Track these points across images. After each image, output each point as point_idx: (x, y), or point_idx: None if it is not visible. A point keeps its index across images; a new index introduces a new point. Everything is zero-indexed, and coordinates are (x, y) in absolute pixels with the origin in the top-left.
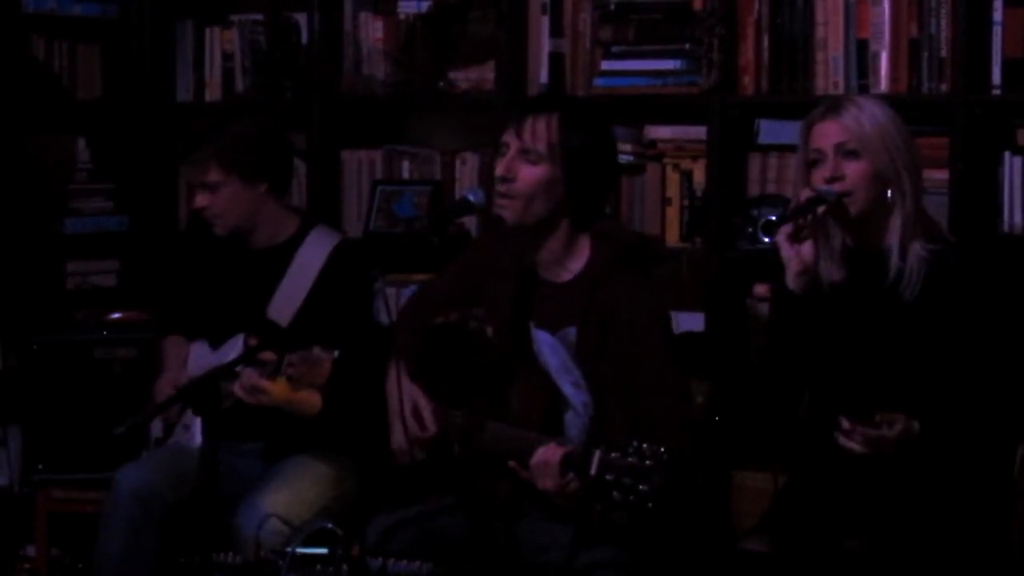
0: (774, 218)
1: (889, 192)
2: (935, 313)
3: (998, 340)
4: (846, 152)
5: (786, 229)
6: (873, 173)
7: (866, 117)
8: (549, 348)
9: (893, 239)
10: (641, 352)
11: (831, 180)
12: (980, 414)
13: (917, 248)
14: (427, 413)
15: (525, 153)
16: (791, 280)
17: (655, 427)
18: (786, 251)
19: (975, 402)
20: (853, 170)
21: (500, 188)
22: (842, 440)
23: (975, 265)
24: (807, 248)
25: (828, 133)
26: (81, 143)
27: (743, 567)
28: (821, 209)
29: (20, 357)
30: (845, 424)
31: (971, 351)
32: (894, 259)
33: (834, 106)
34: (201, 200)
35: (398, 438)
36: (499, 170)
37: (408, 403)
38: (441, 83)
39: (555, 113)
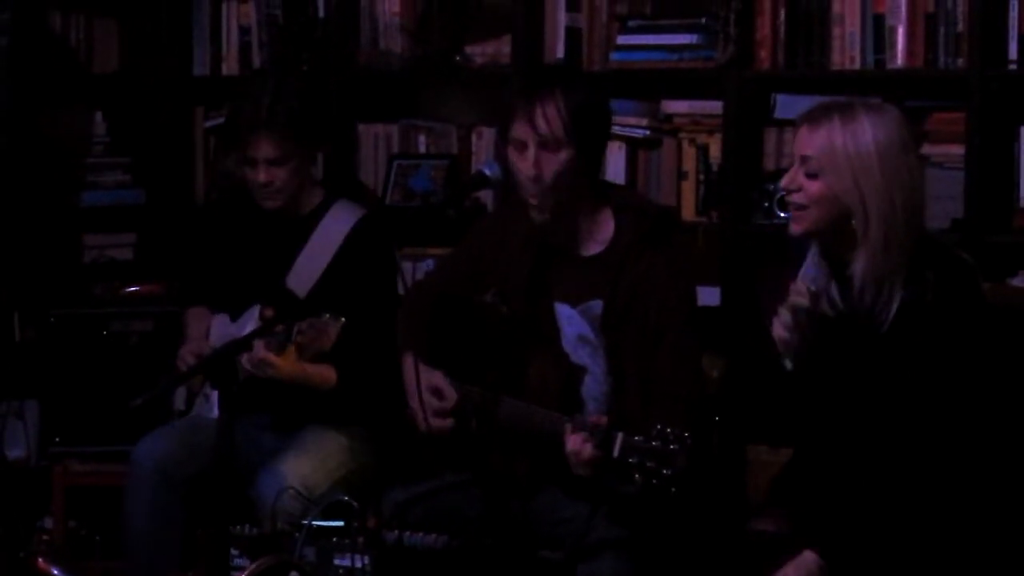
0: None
1: (853, 222)
2: (906, 349)
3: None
4: (807, 171)
5: (780, 320)
6: (831, 196)
7: (843, 136)
8: (567, 320)
9: (856, 270)
10: (665, 327)
11: (787, 190)
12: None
13: (891, 289)
14: (444, 385)
15: (545, 144)
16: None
17: (665, 401)
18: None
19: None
20: (809, 187)
21: (533, 189)
22: None
23: (953, 303)
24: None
25: (801, 141)
26: (98, 117)
27: (754, 547)
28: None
29: (37, 330)
30: None
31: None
32: (855, 290)
33: (816, 115)
34: (265, 175)
35: (423, 421)
36: (527, 171)
37: (424, 385)
38: (457, 57)
39: (556, 90)
